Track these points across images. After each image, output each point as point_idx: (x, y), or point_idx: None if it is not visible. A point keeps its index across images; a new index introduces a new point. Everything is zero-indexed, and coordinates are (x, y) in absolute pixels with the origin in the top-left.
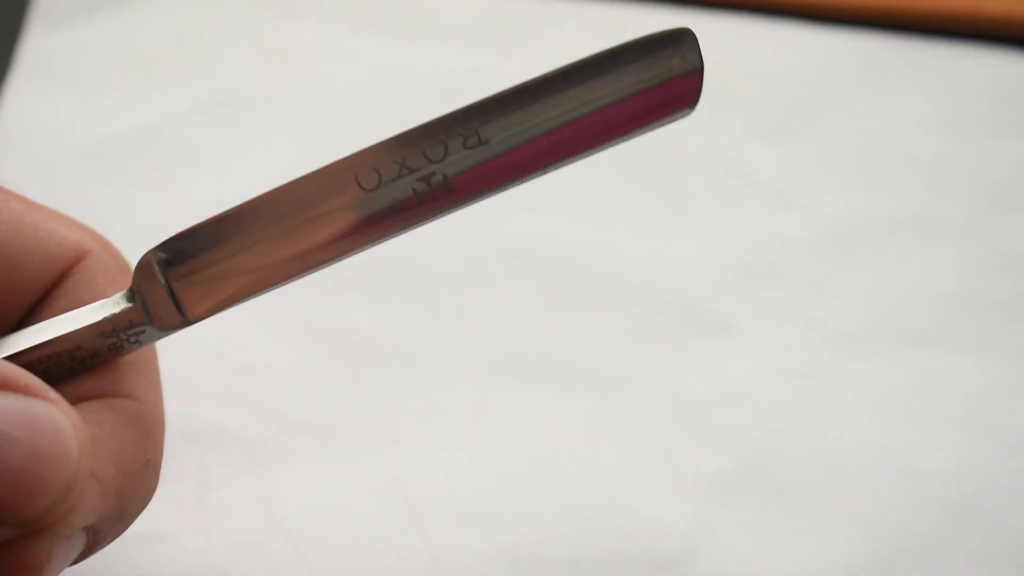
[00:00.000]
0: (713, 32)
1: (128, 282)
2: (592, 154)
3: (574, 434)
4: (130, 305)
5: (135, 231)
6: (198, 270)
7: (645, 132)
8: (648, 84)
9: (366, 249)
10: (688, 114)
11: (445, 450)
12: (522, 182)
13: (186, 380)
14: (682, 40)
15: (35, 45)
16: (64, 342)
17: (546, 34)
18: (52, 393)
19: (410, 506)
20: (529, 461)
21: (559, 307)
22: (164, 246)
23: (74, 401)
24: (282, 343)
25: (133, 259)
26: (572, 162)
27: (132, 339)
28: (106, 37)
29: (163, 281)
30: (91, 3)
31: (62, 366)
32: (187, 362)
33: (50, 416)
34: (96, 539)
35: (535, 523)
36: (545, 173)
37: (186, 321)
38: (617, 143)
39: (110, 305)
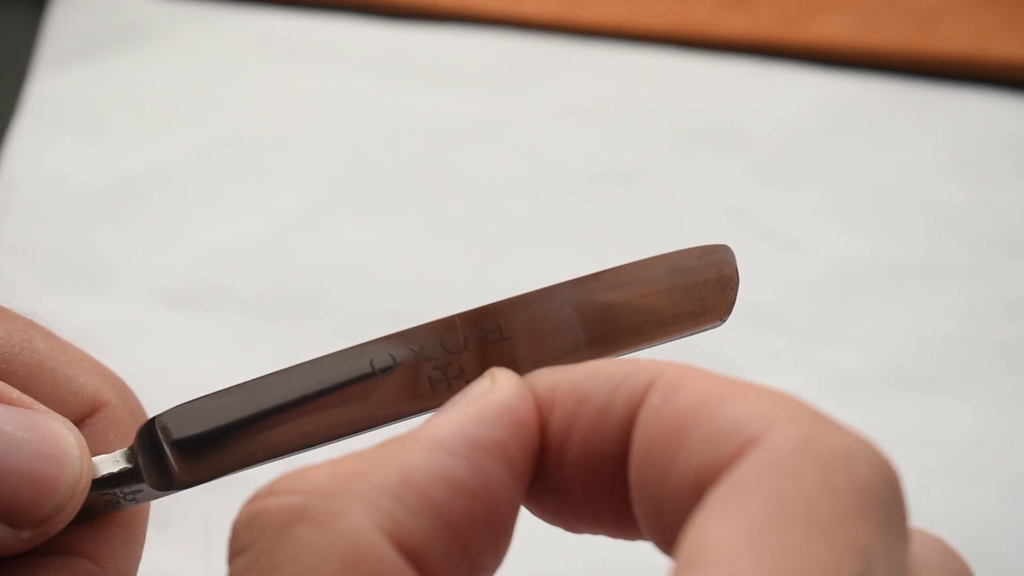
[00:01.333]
0: (719, 75)
1: None
2: (619, 355)
3: None
4: (129, 466)
5: (141, 275)
6: (203, 449)
7: (670, 340)
8: (680, 296)
9: (370, 431)
10: (719, 325)
11: None
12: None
13: None
14: (719, 251)
15: (41, 88)
16: None
17: (549, 77)
18: (40, 404)
19: None
20: None
21: None
22: (170, 418)
23: (47, 553)
24: None
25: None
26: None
27: (128, 497)
28: (112, 81)
29: (166, 452)
30: (97, 47)
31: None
32: None
33: (46, 420)
34: None
35: (538, 562)
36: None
37: (183, 487)
38: (645, 348)
39: (109, 462)
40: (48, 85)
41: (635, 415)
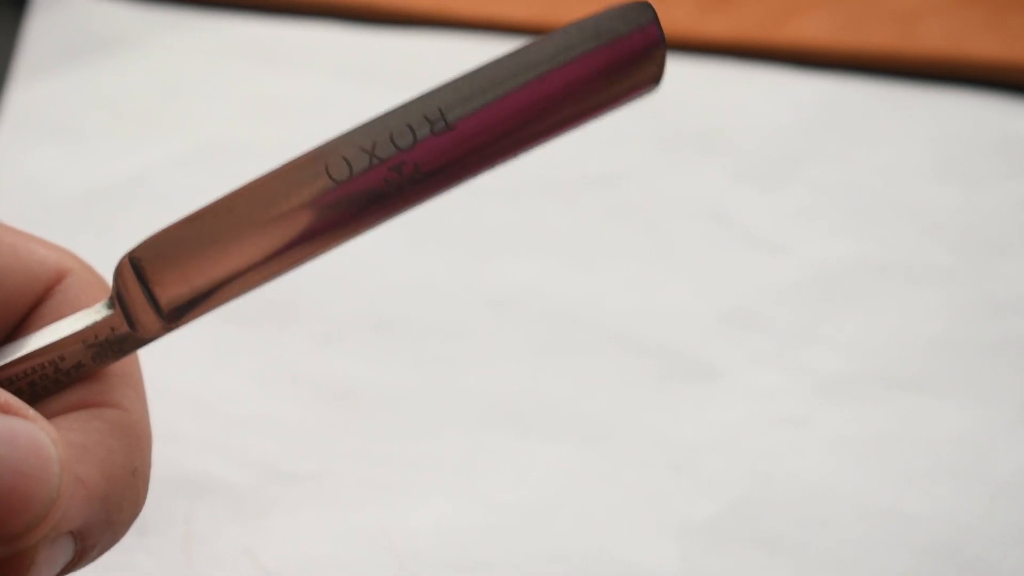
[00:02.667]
0: (700, 77)
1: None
2: (563, 132)
3: (563, 482)
4: (111, 312)
5: None
6: (175, 272)
7: (614, 103)
8: (604, 40)
9: (347, 241)
10: (654, 86)
11: (433, 499)
12: (495, 166)
13: (173, 430)
14: (638, 6)
15: (20, 96)
16: (47, 353)
17: None
18: (31, 411)
19: (398, 555)
20: (517, 509)
21: (547, 355)
22: (140, 248)
23: (61, 412)
24: (270, 393)
25: None
26: (544, 141)
27: (115, 347)
28: (91, 88)
29: (141, 285)
30: (76, 54)
31: (47, 379)
32: (174, 412)
33: (29, 433)
34: (84, 547)
35: (523, 571)
36: (517, 155)
37: (168, 326)
38: (586, 116)
39: (92, 314)
40: (27, 92)
41: None
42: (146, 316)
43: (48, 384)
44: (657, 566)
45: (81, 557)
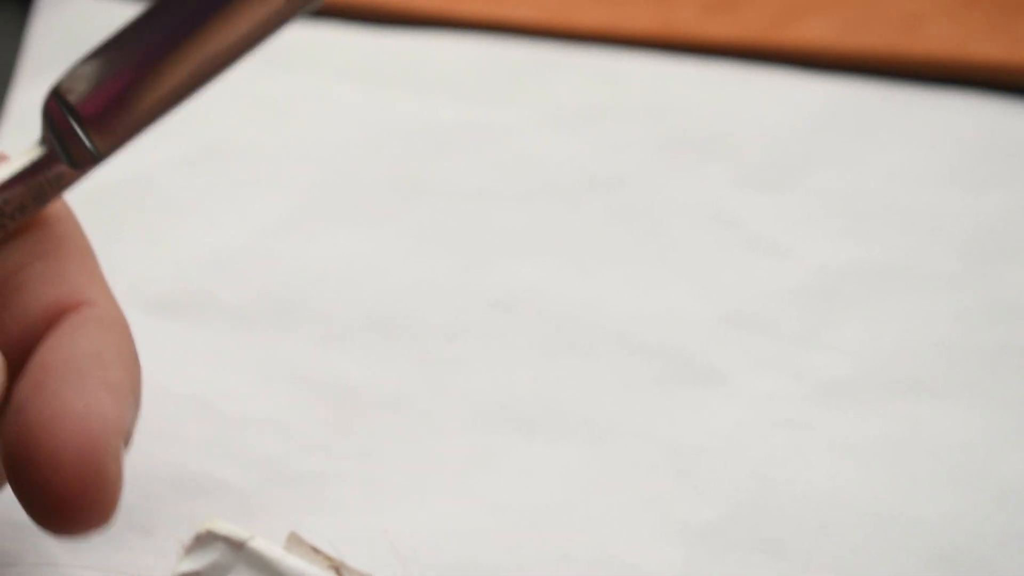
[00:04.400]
0: (704, 79)
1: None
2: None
3: (564, 484)
4: (44, 149)
5: (124, 282)
6: (97, 94)
7: None
8: None
9: (248, 49)
10: None
11: (435, 501)
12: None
13: (175, 431)
14: None
15: (24, 97)
16: None
17: (533, 82)
18: None
19: (400, 557)
20: (520, 512)
21: (549, 357)
22: (63, 80)
23: (42, 316)
24: (272, 393)
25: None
26: None
27: (54, 183)
28: None
29: (68, 114)
30: (81, 54)
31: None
32: (175, 413)
33: None
34: (127, 442)
35: (526, 573)
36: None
37: (99, 154)
38: None
39: (25, 154)
40: (31, 93)
41: None
42: (76, 145)
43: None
44: (660, 569)
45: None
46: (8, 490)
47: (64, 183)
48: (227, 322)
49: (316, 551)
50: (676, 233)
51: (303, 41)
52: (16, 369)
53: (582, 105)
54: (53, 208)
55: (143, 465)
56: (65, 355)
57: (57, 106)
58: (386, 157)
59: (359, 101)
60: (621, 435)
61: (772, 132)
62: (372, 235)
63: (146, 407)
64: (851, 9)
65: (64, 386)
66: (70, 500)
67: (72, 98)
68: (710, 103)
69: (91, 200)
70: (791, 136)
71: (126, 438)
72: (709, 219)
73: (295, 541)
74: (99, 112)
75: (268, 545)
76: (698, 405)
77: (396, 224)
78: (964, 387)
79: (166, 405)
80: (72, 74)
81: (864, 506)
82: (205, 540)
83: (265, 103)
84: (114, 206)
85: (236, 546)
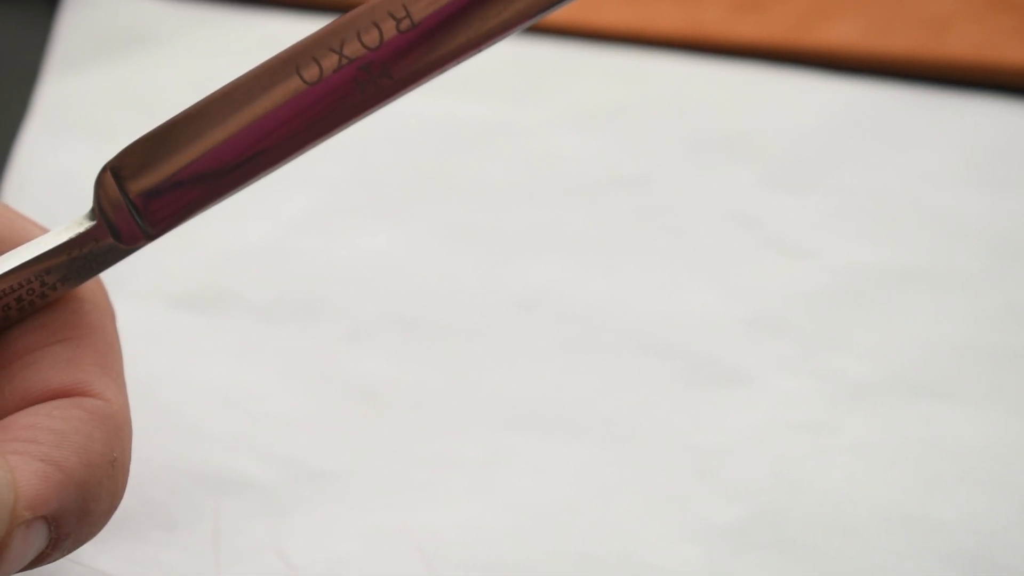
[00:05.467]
0: (730, 80)
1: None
2: (523, 25)
3: (586, 484)
4: (93, 223)
5: (150, 278)
6: (151, 173)
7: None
8: None
9: (317, 144)
10: None
11: (458, 499)
12: (460, 61)
13: (199, 427)
14: None
15: (51, 91)
16: (33, 266)
17: (558, 81)
18: None
19: (423, 555)
20: (541, 511)
21: (572, 357)
22: (117, 157)
23: (42, 398)
24: (296, 390)
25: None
26: (508, 32)
27: (100, 259)
28: (122, 84)
29: (121, 193)
30: (108, 50)
31: (33, 293)
32: (200, 409)
33: None
34: (59, 535)
35: (547, 572)
36: (481, 49)
37: (150, 234)
38: (542, 9)
39: (74, 226)
40: (58, 88)
41: None
42: (126, 223)
43: (35, 299)
44: (681, 569)
45: (55, 546)
46: None
47: (110, 260)
48: (252, 319)
49: None
50: (699, 233)
51: None
52: None
53: (607, 104)
54: (90, 291)
55: (167, 461)
56: (26, 422)
57: (111, 181)
58: (411, 155)
59: None
60: (643, 435)
61: (797, 133)
62: (396, 233)
63: (171, 403)
64: (877, 11)
65: None
66: None
67: (127, 176)
68: (735, 103)
69: None
70: (816, 137)
71: (54, 522)
72: (732, 219)
73: None
74: (154, 194)
75: None
76: (720, 406)
77: (420, 222)
78: (985, 389)
79: (191, 401)
80: (131, 151)
81: (885, 508)
82: None
83: None
84: None
85: None
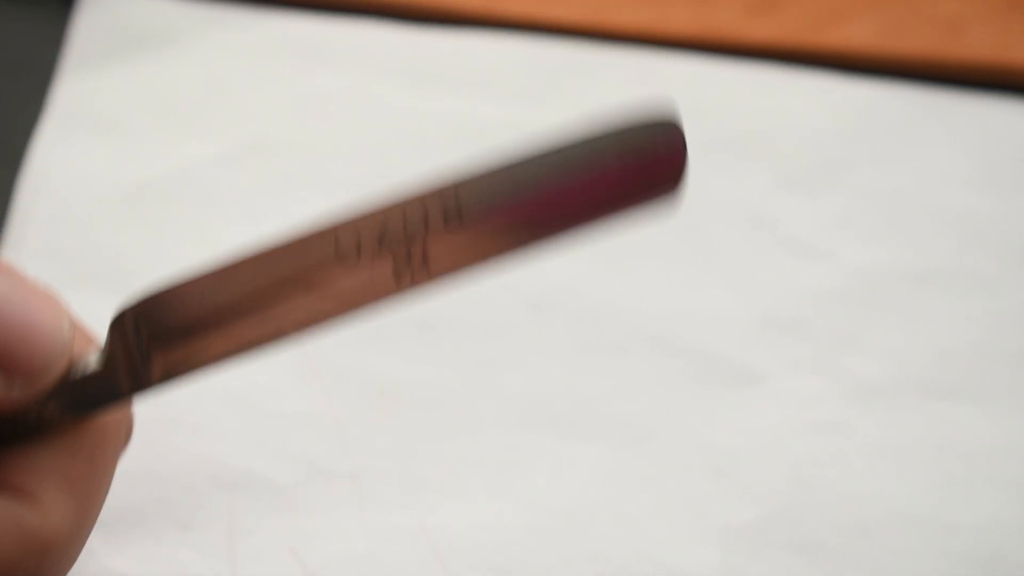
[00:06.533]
0: (743, 81)
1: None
2: (573, 235)
3: (602, 484)
4: (101, 364)
5: (164, 276)
6: (175, 338)
7: (627, 212)
8: (628, 152)
9: (341, 323)
10: (675, 195)
11: (473, 499)
12: (502, 262)
13: (214, 426)
14: (667, 116)
15: (68, 90)
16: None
17: (573, 82)
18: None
19: (438, 555)
20: (557, 511)
21: (587, 357)
22: (142, 309)
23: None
24: (312, 390)
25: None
26: (558, 240)
27: (102, 398)
28: (139, 83)
29: (139, 347)
30: (124, 49)
31: (27, 426)
32: (215, 408)
33: (31, 283)
34: None
35: (562, 572)
36: (526, 253)
37: (158, 382)
38: (598, 223)
39: (81, 365)
40: (74, 87)
41: None
42: (137, 378)
43: (30, 429)
44: (697, 569)
45: None
46: None
47: (113, 402)
48: None
49: None
50: (713, 234)
51: (345, 39)
52: None
53: (621, 105)
54: (95, 433)
55: (183, 460)
56: None
57: (125, 326)
58: (427, 155)
59: (400, 99)
60: (658, 435)
61: (811, 134)
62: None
63: (186, 402)
64: (891, 12)
65: None
66: None
67: (143, 324)
68: (749, 104)
69: (133, 194)
70: (830, 138)
71: None
72: (746, 220)
73: None
74: (169, 345)
75: None
76: (735, 406)
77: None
78: (1002, 390)
79: (206, 400)
80: (150, 300)
81: (901, 509)
82: None
83: (306, 101)
84: (156, 201)
85: None
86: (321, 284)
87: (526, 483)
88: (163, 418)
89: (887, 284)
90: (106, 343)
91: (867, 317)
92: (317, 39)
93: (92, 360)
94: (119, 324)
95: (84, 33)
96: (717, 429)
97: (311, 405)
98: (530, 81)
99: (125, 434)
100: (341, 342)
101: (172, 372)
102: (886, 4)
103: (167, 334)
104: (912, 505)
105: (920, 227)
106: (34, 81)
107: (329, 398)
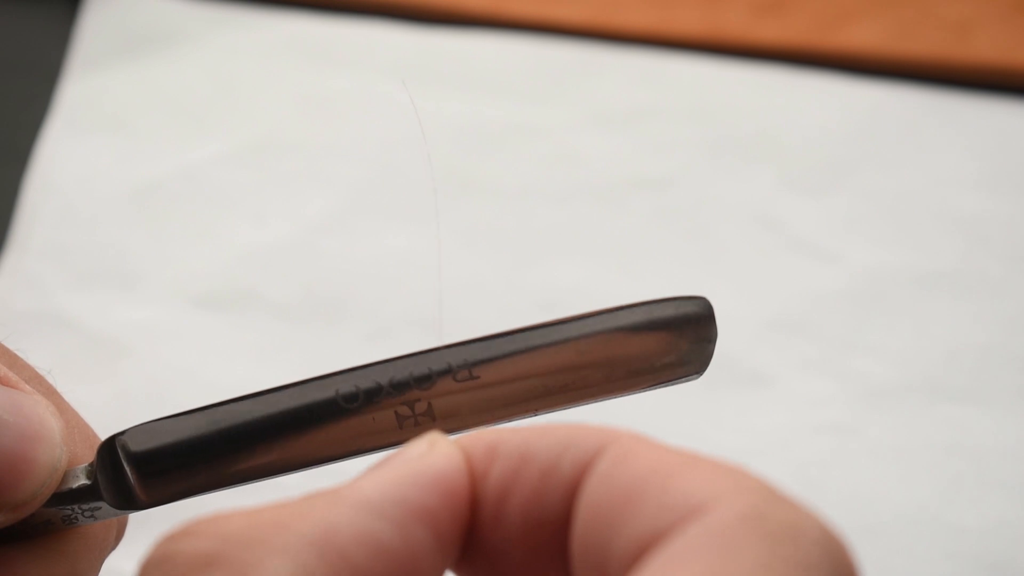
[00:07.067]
0: (751, 82)
1: None
2: (587, 402)
3: None
4: (88, 482)
5: (171, 276)
6: (163, 470)
7: (648, 385)
8: (654, 325)
9: (334, 463)
10: (695, 379)
11: None
12: (508, 421)
13: None
14: (697, 306)
15: (74, 90)
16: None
17: (580, 83)
18: (25, 385)
19: None
20: None
21: None
22: (131, 437)
23: None
24: None
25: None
26: (569, 405)
27: (87, 514)
28: (144, 83)
29: (126, 471)
30: (130, 49)
31: (12, 529)
32: None
33: (32, 402)
34: None
35: None
36: (537, 413)
37: (143, 504)
38: (616, 393)
39: (69, 478)
40: (81, 86)
41: (581, 479)
42: (122, 497)
43: (14, 532)
44: None
45: None
46: None
47: (98, 517)
48: (273, 318)
49: None
50: (721, 235)
51: (351, 39)
52: None
53: (628, 106)
54: (80, 540)
55: None
56: None
57: (117, 450)
58: (433, 155)
59: (406, 99)
60: (665, 436)
61: (818, 135)
62: (417, 233)
63: (193, 400)
64: (899, 14)
65: None
66: None
67: (134, 448)
68: (756, 106)
69: (139, 193)
70: (837, 140)
71: None
72: (754, 221)
73: None
74: (155, 473)
75: None
76: (742, 407)
77: (442, 223)
78: (1009, 392)
79: (213, 398)
80: (144, 429)
81: (909, 511)
82: None
83: (312, 101)
84: (162, 200)
85: None
86: (316, 428)
87: None
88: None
89: (895, 286)
90: (95, 463)
91: (874, 319)
92: (324, 39)
93: (81, 474)
94: (108, 448)
95: (91, 32)
96: (724, 430)
97: None
98: (536, 81)
99: (115, 537)
100: (346, 343)
101: (158, 499)
102: (894, 6)
103: (154, 465)
104: (918, 507)
105: (927, 229)
106: (41, 80)
107: None
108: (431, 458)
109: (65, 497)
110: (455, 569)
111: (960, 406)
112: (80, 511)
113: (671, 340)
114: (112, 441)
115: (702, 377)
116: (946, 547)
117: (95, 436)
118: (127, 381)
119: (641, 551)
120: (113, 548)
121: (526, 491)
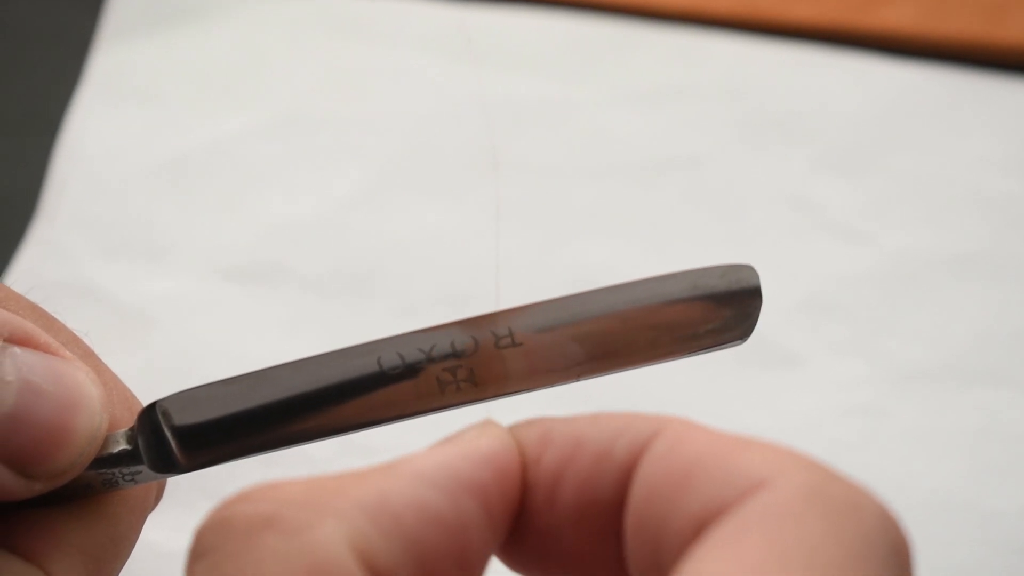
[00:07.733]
0: (785, 61)
1: None
2: (629, 368)
3: None
4: (128, 447)
5: (200, 249)
6: (203, 435)
7: (692, 351)
8: (699, 292)
9: (377, 427)
10: (739, 344)
11: None
12: (551, 386)
13: None
14: (742, 273)
15: (104, 61)
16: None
17: (614, 60)
18: (64, 350)
19: None
20: None
21: None
22: (171, 403)
23: None
24: None
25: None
26: (611, 372)
27: (127, 477)
28: (175, 55)
29: (167, 437)
30: (161, 21)
31: (53, 493)
32: None
33: (72, 370)
34: None
35: None
36: (580, 379)
37: (182, 468)
38: (659, 359)
39: (110, 443)
40: (111, 58)
41: (636, 462)
42: (162, 462)
43: (53, 496)
44: None
45: None
46: None
47: (138, 481)
48: (303, 292)
49: None
50: (753, 215)
51: (383, 14)
52: None
53: (661, 84)
54: (118, 504)
55: None
56: None
57: (158, 417)
58: (463, 132)
59: (438, 74)
60: (695, 417)
61: (852, 116)
62: (449, 209)
63: (221, 373)
64: None
65: None
66: None
67: (177, 420)
68: (790, 85)
69: (169, 166)
70: (871, 121)
71: None
72: (786, 202)
73: None
74: (198, 442)
75: None
76: (773, 388)
77: (473, 199)
78: None
79: (239, 370)
80: (185, 397)
81: (939, 495)
82: None
83: (344, 75)
84: (191, 172)
85: None
86: (359, 394)
87: None
88: None
89: (927, 268)
90: (136, 428)
91: (906, 301)
92: (355, 12)
93: (122, 439)
94: (149, 415)
95: (121, 3)
96: (754, 411)
97: None
98: (569, 58)
99: (155, 499)
100: (376, 319)
101: (199, 464)
102: None
103: (198, 437)
104: (950, 492)
105: (960, 212)
106: (71, 51)
107: None
108: (483, 439)
109: (105, 461)
110: (505, 555)
111: (991, 389)
112: (120, 475)
113: (716, 308)
114: (153, 408)
115: (743, 344)
116: (976, 531)
117: (133, 398)
118: (155, 353)
119: (701, 525)
120: (152, 509)
121: (580, 475)
